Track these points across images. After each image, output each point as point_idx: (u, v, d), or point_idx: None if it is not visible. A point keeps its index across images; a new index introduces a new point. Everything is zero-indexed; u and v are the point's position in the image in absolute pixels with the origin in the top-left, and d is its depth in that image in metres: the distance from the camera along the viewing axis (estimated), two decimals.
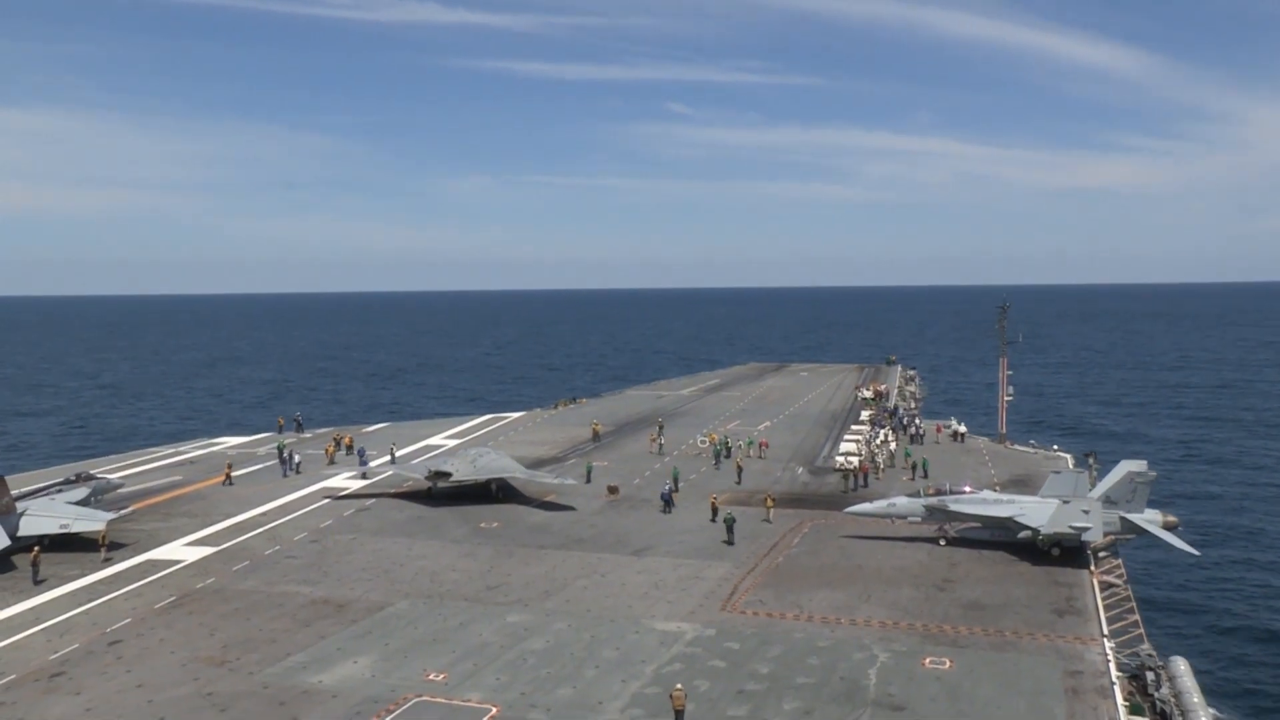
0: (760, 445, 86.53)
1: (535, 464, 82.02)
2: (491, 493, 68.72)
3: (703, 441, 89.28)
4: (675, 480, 71.72)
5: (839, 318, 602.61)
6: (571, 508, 65.78)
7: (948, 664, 39.55)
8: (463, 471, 68.32)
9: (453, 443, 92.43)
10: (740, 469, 75.66)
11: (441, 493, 69.22)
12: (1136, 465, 57.28)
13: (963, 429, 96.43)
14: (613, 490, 70.59)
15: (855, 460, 77.06)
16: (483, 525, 61.41)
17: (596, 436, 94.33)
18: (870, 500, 62.03)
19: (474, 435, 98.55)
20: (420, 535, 59.62)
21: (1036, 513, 55.80)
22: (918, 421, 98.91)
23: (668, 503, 65.62)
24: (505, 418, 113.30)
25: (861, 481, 72.79)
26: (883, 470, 77.47)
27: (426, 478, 68.56)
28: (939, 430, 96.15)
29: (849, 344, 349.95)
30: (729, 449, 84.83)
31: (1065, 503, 55.43)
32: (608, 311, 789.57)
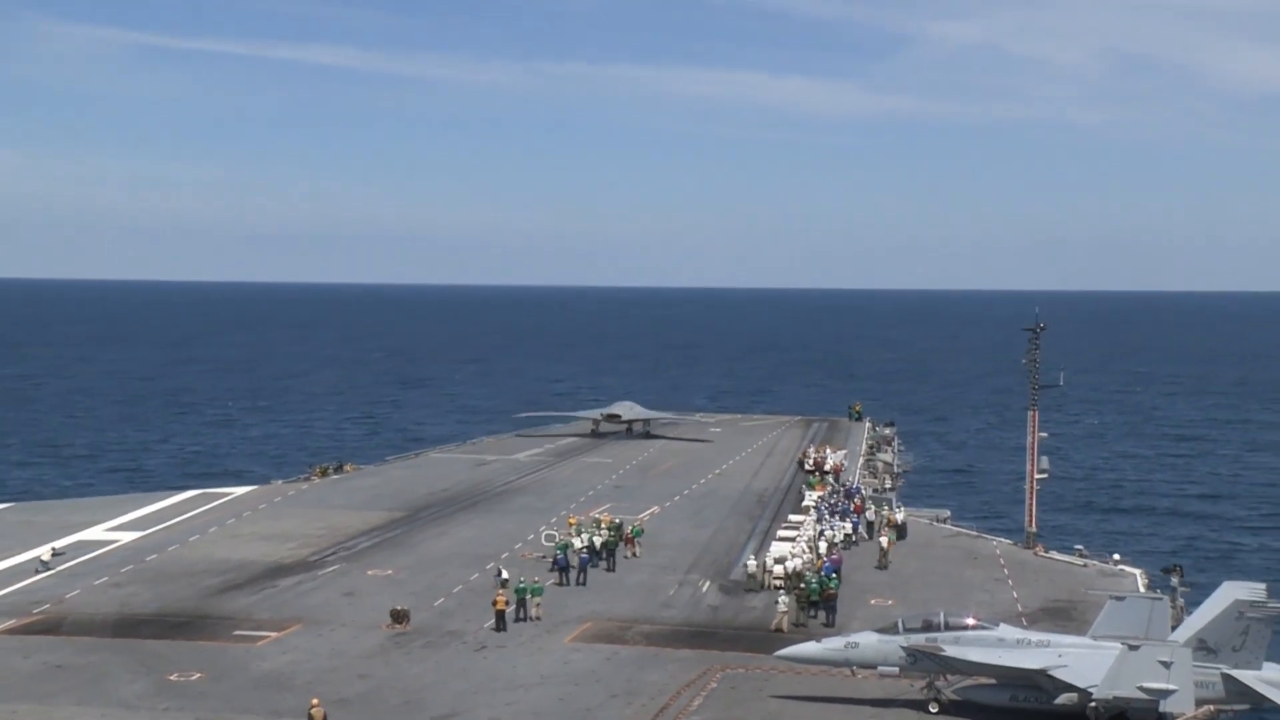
0: (627, 543, 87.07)
1: (271, 571, 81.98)
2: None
3: (550, 540, 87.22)
4: (523, 601, 71.47)
5: (787, 337, 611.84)
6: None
7: None
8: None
9: (133, 535, 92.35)
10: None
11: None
12: (1249, 590, 57.48)
13: (899, 516, 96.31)
14: (399, 617, 69.86)
15: (800, 564, 76.97)
16: (174, 678, 60.41)
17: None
18: (817, 638, 61.58)
19: (171, 524, 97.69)
20: (62, 698, 57.32)
21: (1085, 664, 55.58)
22: (864, 504, 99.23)
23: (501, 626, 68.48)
24: (224, 495, 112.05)
25: (823, 607, 72.36)
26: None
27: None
28: (890, 521, 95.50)
29: (796, 380, 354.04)
30: (610, 543, 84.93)
31: (1133, 648, 55.09)
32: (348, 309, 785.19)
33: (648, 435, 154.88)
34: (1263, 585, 58.23)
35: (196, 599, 74.53)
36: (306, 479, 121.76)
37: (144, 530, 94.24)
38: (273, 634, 67.51)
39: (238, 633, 67.76)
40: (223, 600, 74.39)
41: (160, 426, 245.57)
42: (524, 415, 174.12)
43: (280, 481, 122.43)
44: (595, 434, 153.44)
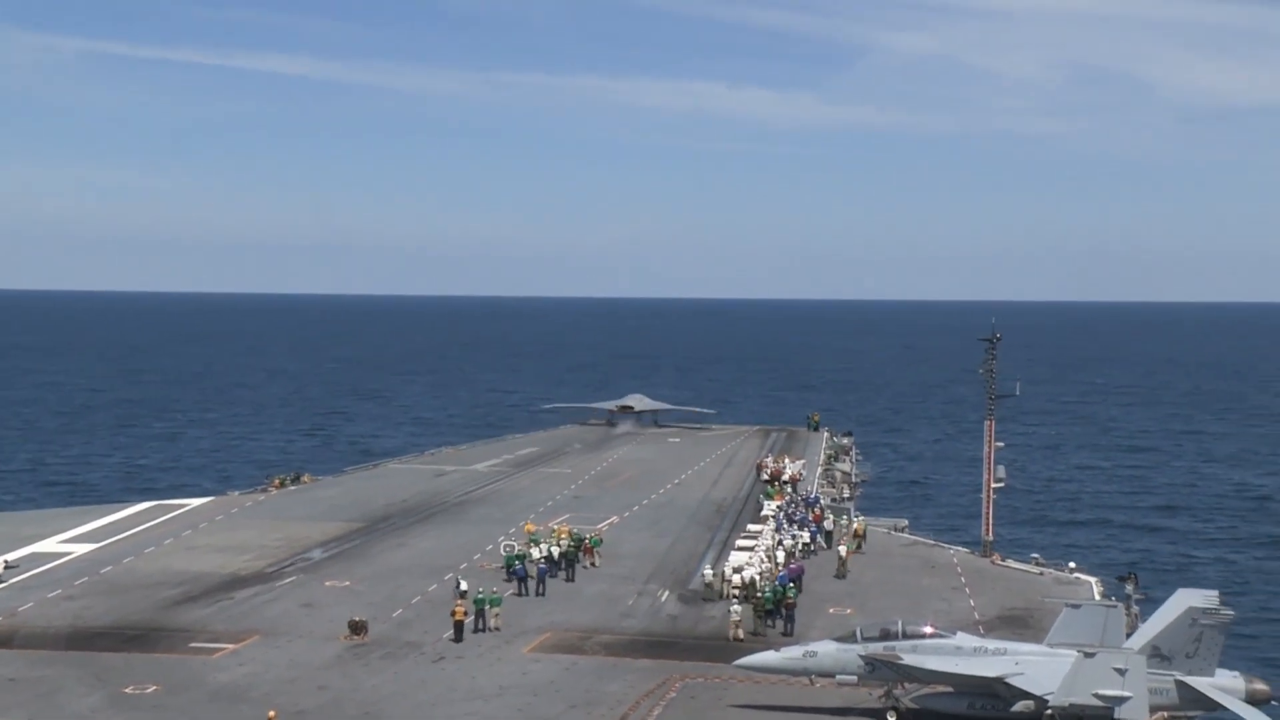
0: (586, 553, 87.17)
1: (228, 583, 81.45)
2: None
3: (510, 549, 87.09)
4: (482, 612, 71.25)
5: (737, 345, 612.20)
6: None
7: None
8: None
9: (87, 547, 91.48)
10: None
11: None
12: (1202, 597, 57.83)
13: (859, 523, 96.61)
14: (357, 628, 69.46)
15: (753, 574, 76.84)
16: (129, 691, 59.77)
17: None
18: (775, 647, 61.54)
19: (126, 536, 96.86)
20: (15, 712, 56.81)
21: (1042, 671, 55.86)
22: (823, 514, 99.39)
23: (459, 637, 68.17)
24: (180, 507, 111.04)
25: (782, 616, 72.46)
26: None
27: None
28: (858, 532, 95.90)
29: (753, 390, 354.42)
30: (569, 553, 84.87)
31: (1088, 656, 55.50)
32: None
33: (656, 424, 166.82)
34: (1215, 593, 58.60)
35: (152, 611, 73.93)
36: (263, 490, 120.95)
37: (98, 542, 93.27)
38: (230, 646, 67.01)
39: (194, 645, 67.22)
40: (179, 612, 73.82)
41: (105, 440, 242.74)
42: (549, 408, 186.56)
43: (237, 493, 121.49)
44: (610, 424, 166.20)
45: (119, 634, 68.94)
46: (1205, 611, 56.80)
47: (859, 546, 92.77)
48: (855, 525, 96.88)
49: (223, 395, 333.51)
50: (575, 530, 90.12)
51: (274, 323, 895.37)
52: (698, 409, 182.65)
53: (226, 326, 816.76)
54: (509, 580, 79.93)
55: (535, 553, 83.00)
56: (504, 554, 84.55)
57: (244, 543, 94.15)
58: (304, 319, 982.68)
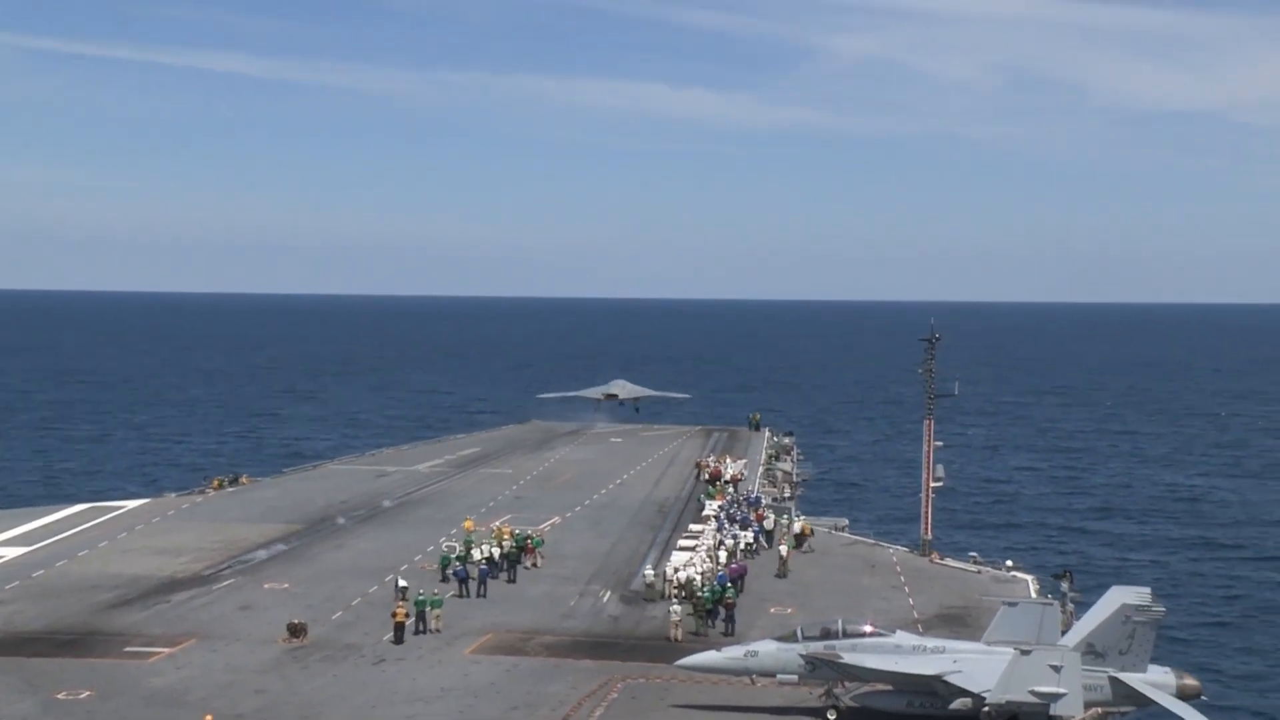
0: (528, 553, 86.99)
1: (165, 585, 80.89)
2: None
3: (452, 547, 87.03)
4: (423, 614, 70.93)
5: (673, 346, 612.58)
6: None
7: None
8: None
9: (19, 551, 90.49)
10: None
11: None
12: (1135, 594, 58.48)
13: (797, 525, 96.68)
14: (296, 631, 69.06)
15: (691, 574, 76.99)
16: (62, 697, 59.16)
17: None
18: (717, 647, 61.62)
19: (59, 539, 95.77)
20: None
21: (979, 669, 56.25)
22: (764, 513, 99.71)
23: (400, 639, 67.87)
24: (116, 509, 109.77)
25: (722, 616, 72.57)
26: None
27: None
28: (805, 531, 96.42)
29: (694, 390, 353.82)
30: (510, 554, 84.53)
31: (1025, 653, 55.87)
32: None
33: (637, 410, 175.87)
34: (1148, 590, 59.25)
35: (86, 615, 73.02)
36: (201, 492, 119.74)
37: (30, 545, 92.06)
38: (165, 650, 66.33)
39: (129, 649, 66.45)
40: (114, 616, 72.99)
41: (26, 443, 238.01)
42: (544, 396, 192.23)
43: (174, 494, 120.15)
44: (598, 410, 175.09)
45: (52, 639, 68.07)
46: (1138, 608, 57.49)
47: (807, 546, 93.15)
48: (802, 525, 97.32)
49: (156, 397, 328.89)
50: (517, 531, 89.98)
51: (209, 323, 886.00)
52: (675, 394, 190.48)
53: (162, 326, 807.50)
54: (445, 581, 79.74)
55: (476, 554, 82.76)
56: (443, 553, 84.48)
57: (181, 545, 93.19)
58: (240, 319, 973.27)
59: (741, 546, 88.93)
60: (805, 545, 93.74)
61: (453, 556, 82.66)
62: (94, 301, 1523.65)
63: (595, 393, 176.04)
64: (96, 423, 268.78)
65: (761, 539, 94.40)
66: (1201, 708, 57.65)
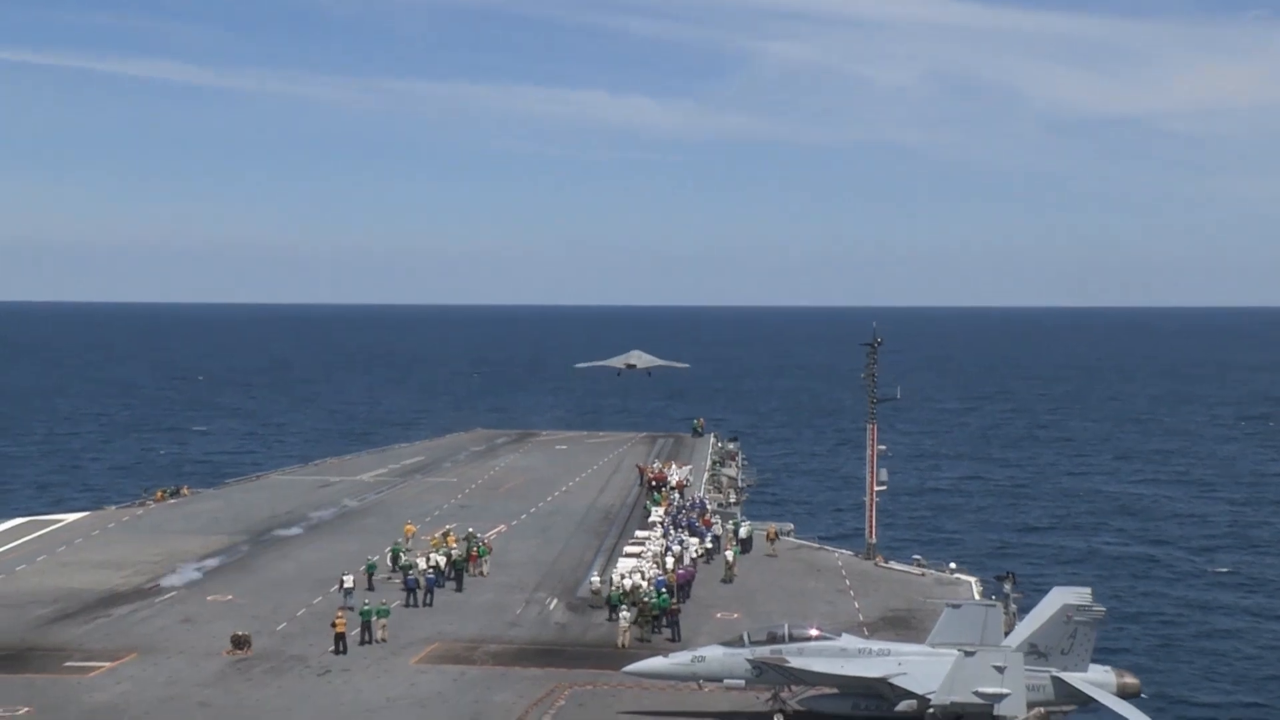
0: (471, 561, 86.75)
1: (105, 599, 79.83)
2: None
3: (395, 558, 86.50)
4: (368, 624, 70.65)
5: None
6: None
7: None
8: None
9: None
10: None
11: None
12: (1076, 594, 59.04)
13: (745, 530, 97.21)
14: (240, 643, 68.54)
15: (637, 580, 76.90)
16: (1, 712, 58.36)
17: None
18: (664, 653, 61.68)
19: None
20: None
21: (924, 671, 56.58)
22: (711, 519, 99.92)
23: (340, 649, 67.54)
24: (54, 522, 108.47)
25: (664, 624, 72.56)
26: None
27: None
28: (772, 536, 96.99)
29: (636, 397, 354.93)
30: (458, 562, 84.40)
31: (968, 654, 56.35)
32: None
33: (649, 375, 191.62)
34: (1088, 590, 59.87)
35: (24, 630, 71.97)
36: (142, 504, 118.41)
37: None
38: (106, 664, 65.56)
39: (69, 664, 65.62)
40: (52, 631, 72.01)
41: None
42: (580, 365, 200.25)
43: (114, 507, 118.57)
44: (619, 377, 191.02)
45: None
46: (1079, 609, 58.08)
47: (742, 553, 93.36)
48: (769, 529, 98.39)
49: (76, 411, 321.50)
50: (463, 538, 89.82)
51: (133, 334, 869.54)
52: (677, 364, 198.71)
53: (83, 338, 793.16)
54: (371, 589, 79.41)
55: (421, 563, 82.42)
56: (368, 560, 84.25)
57: (122, 558, 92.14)
58: (166, 330, 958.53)
59: (693, 553, 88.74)
60: (774, 548, 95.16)
61: (371, 566, 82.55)
62: (9, 313, 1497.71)
63: (619, 362, 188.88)
64: (13, 439, 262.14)
65: (708, 543, 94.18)
66: (1141, 705, 58.41)
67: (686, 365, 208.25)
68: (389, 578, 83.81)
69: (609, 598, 75.74)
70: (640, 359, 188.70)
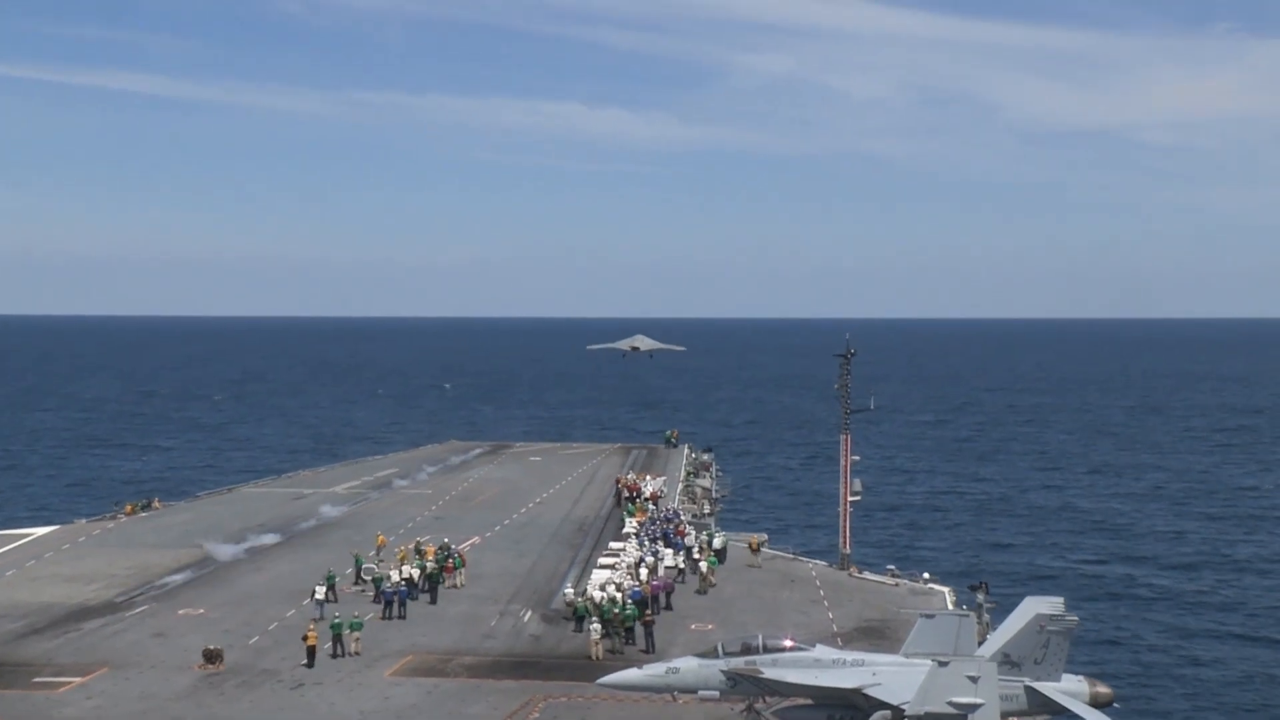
0: (447, 572, 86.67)
1: (75, 613, 79.44)
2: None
3: (371, 569, 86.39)
4: (339, 637, 70.39)
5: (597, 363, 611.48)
6: None
7: None
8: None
9: None
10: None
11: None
12: (1049, 604, 59.09)
13: (719, 541, 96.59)
14: (212, 657, 68.20)
15: (610, 593, 76.74)
16: None
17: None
18: (638, 665, 61.28)
19: None
20: None
21: (898, 681, 56.48)
22: (685, 530, 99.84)
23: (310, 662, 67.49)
24: (24, 536, 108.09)
25: (630, 637, 72.39)
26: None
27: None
28: (754, 547, 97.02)
29: (610, 408, 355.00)
30: (430, 576, 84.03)
31: (942, 665, 56.12)
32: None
33: (651, 357, 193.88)
34: (1060, 599, 59.86)
35: None
36: (113, 517, 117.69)
37: None
38: (76, 679, 65.11)
39: (38, 680, 65.15)
40: (21, 646, 71.47)
41: None
42: (593, 347, 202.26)
43: (84, 520, 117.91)
44: (625, 359, 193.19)
45: None
46: (1052, 618, 58.12)
47: (719, 564, 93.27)
48: (751, 540, 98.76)
49: (41, 424, 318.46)
50: (438, 549, 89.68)
51: (103, 347, 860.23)
52: (675, 347, 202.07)
53: (53, 350, 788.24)
54: (333, 601, 79.00)
55: (394, 574, 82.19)
56: (328, 574, 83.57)
57: (92, 572, 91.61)
58: (138, 343, 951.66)
59: (668, 564, 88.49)
60: (756, 559, 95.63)
61: (331, 578, 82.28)
62: None
63: (625, 344, 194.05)
64: None
65: (684, 556, 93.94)
66: (1113, 714, 58.62)
67: (683, 349, 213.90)
68: (361, 588, 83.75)
69: (575, 609, 75.82)
70: (644, 342, 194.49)
